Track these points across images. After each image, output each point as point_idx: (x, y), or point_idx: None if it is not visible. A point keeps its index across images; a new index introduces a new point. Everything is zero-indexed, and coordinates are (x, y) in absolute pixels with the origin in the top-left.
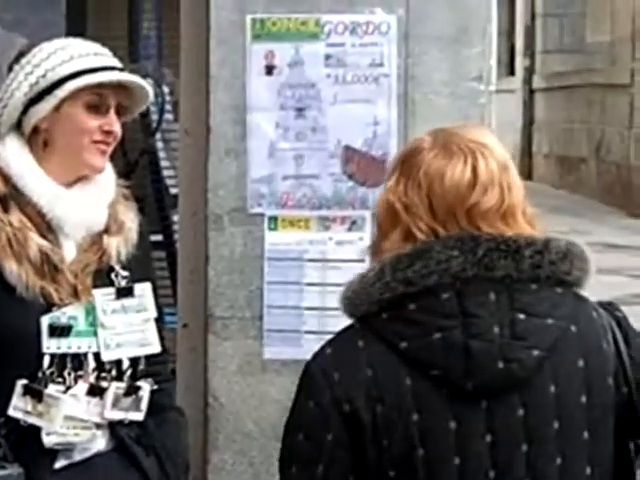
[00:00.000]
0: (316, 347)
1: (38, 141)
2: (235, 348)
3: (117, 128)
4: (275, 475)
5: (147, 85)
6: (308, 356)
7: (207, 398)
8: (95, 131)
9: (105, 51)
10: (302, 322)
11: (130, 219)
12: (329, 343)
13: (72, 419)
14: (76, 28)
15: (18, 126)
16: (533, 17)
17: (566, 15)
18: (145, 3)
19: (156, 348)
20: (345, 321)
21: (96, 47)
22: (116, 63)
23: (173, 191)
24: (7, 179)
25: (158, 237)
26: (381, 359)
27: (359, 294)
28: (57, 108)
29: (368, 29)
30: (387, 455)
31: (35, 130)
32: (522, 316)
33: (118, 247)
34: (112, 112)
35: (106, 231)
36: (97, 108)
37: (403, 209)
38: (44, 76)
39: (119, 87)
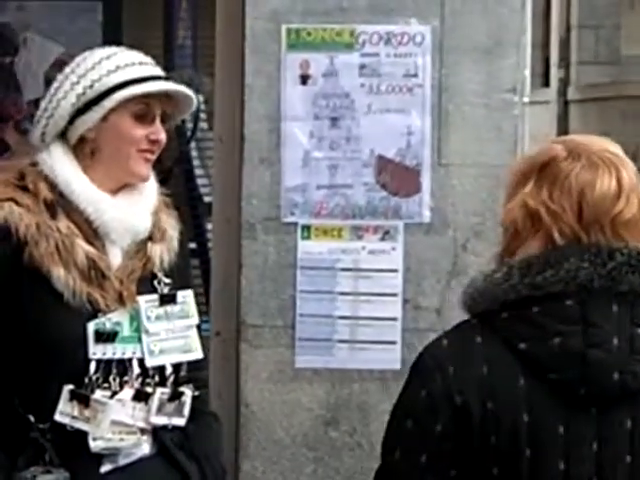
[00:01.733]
0: (348, 356)
1: (85, 150)
2: (267, 356)
3: (163, 137)
4: None
5: (192, 93)
6: (339, 365)
7: (239, 406)
8: (142, 140)
9: (149, 60)
10: (334, 331)
11: (172, 227)
12: (445, 335)
13: (118, 424)
14: (112, 36)
15: (62, 135)
16: (568, 29)
17: (601, 27)
18: (180, 12)
19: (198, 354)
20: (379, 330)
21: (140, 56)
22: (160, 72)
23: (207, 199)
24: (53, 186)
25: (192, 245)
26: (497, 357)
27: (482, 293)
28: (104, 118)
29: (403, 40)
30: (493, 452)
31: (81, 140)
32: None
33: (161, 254)
34: (158, 121)
35: (150, 238)
36: (143, 117)
37: (548, 214)
38: (91, 87)
39: (164, 96)
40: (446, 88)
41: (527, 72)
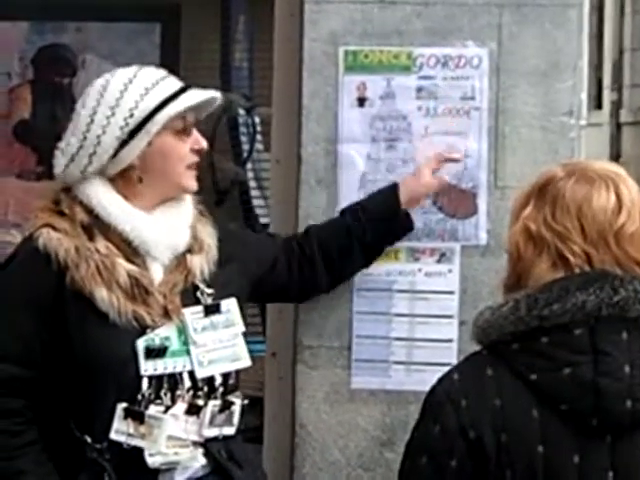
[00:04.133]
0: (404, 377)
1: (131, 178)
2: (323, 377)
3: (205, 143)
4: None
5: (219, 94)
6: (396, 386)
7: (294, 426)
8: (187, 155)
9: (165, 72)
10: (390, 352)
11: (209, 235)
12: (456, 368)
13: (172, 439)
14: (169, 58)
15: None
16: (621, 51)
17: None
18: (237, 34)
19: (246, 362)
20: (435, 352)
21: (159, 71)
22: (180, 81)
23: (263, 220)
24: (89, 210)
25: None
26: (509, 389)
27: (492, 324)
28: (149, 142)
29: (460, 62)
30: None
31: (125, 169)
32: None
33: (201, 265)
34: (194, 130)
35: (189, 251)
36: (183, 131)
37: (553, 235)
38: (131, 115)
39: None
40: (503, 111)
41: (584, 95)
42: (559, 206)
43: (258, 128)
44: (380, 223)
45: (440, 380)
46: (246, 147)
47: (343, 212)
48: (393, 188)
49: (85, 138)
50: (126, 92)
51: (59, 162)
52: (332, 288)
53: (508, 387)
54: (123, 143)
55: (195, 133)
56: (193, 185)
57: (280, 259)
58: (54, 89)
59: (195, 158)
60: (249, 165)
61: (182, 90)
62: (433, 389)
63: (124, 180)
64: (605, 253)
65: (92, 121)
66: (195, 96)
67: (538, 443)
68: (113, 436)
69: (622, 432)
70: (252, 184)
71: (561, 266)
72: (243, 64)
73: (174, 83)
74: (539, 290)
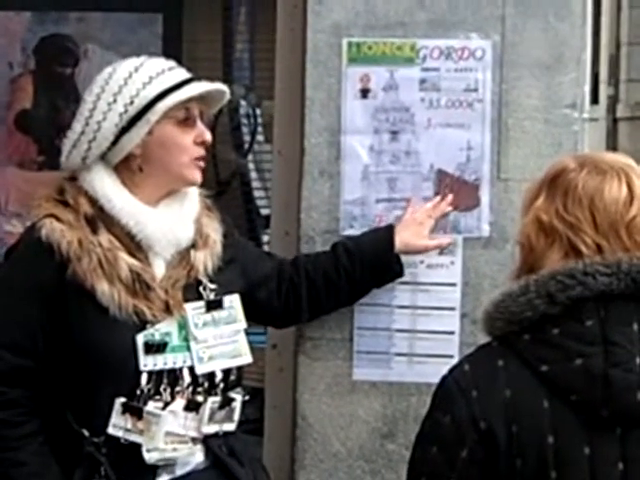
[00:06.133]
0: (405, 369)
1: (132, 167)
2: (324, 369)
3: (209, 137)
4: None
5: (226, 88)
6: (397, 378)
7: (295, 418)
8: (192, 147)
9: (174, 63)
10: (392, 344)
11: (214, 230)
12: (467, 359)
13: (170, 435)
14: (171, 49)
15: (102, 155)
16: (618, 46)
17: None
18: (239, 25)
19: (247, 359)
20: (436, 344)
21: (167, 62)
22: (188, 73)
23: (264, 212)
24: (93, 201)
25: None
26: (520, 380)
27: (498, 307)
28: (149, 131)
29: (463, 54)
30: (519, 476)
31: (126, 158)
32: None
33: (205, 261)
34: (199, 122)
35: (193, 246)
36: (186, 122)
37: (565, 226)
38: (131, 103)
39: (200, 96)
40: (506, 103)
41: (586, 88)
42: (571, 197)
43: (259, 120)
44: (371, 267)
45: (451, 370)
46: (247, 138)
47: (335, 246)
48: (389, 232)
49: (87, 124)
50: (130, 80)
51: (64, 149)
52: (310, 320)
53: (519, 378)
54: (123, 130)
55: (200, 125)
56: (196, 177)
57: (272, 281)
58: (56, 79)
59: (200, 151)
60: (250, 156)
61: (187, 81)
62: (444, 379)
63: (127, 170)
64: (616, 244)
65: (94, 107)
66: (198, 87)
67: (549, 434)
68: (111, 431)
69: (632, 424)
70: (253, 175)
71: (573, 257)
72: (245, 55)
73: (180, 74)
74: (550, 274)
